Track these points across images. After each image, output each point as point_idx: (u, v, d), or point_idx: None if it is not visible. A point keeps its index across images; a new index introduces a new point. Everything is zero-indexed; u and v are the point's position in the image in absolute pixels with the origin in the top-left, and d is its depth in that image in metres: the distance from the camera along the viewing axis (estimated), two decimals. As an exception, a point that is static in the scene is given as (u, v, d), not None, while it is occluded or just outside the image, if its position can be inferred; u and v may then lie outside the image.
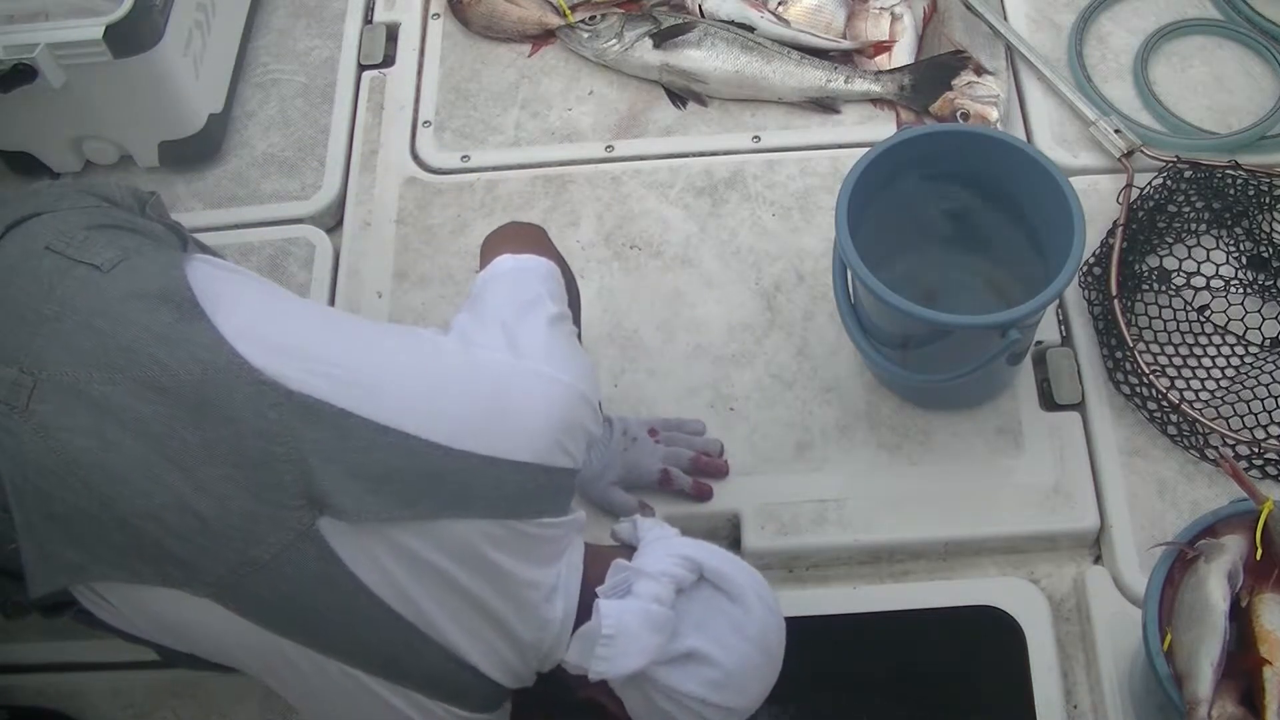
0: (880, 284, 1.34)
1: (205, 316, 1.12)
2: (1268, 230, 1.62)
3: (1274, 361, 1.53)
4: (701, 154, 1.81)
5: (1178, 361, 1.53)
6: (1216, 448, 1.48)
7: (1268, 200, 1.63)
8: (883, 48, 1.87)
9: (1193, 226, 1.65)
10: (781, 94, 1.84)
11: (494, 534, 1.11)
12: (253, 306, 1.18)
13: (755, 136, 1.82)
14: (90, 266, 1.13)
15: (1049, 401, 1.55)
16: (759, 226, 1.73)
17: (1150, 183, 1.65)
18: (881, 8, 1.90)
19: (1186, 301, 1.56)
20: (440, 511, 1.09)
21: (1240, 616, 1.15)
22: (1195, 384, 1.52)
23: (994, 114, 1.76)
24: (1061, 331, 1.61)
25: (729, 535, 1.51)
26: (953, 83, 1.79)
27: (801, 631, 1.24)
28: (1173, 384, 1.51)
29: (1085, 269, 1.61)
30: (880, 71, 1.85)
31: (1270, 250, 1.61)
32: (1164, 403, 1.49)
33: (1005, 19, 1.88)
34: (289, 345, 1.13)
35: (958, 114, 1.77)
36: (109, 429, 1.06)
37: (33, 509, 1.06)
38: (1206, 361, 1.54)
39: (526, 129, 1.86)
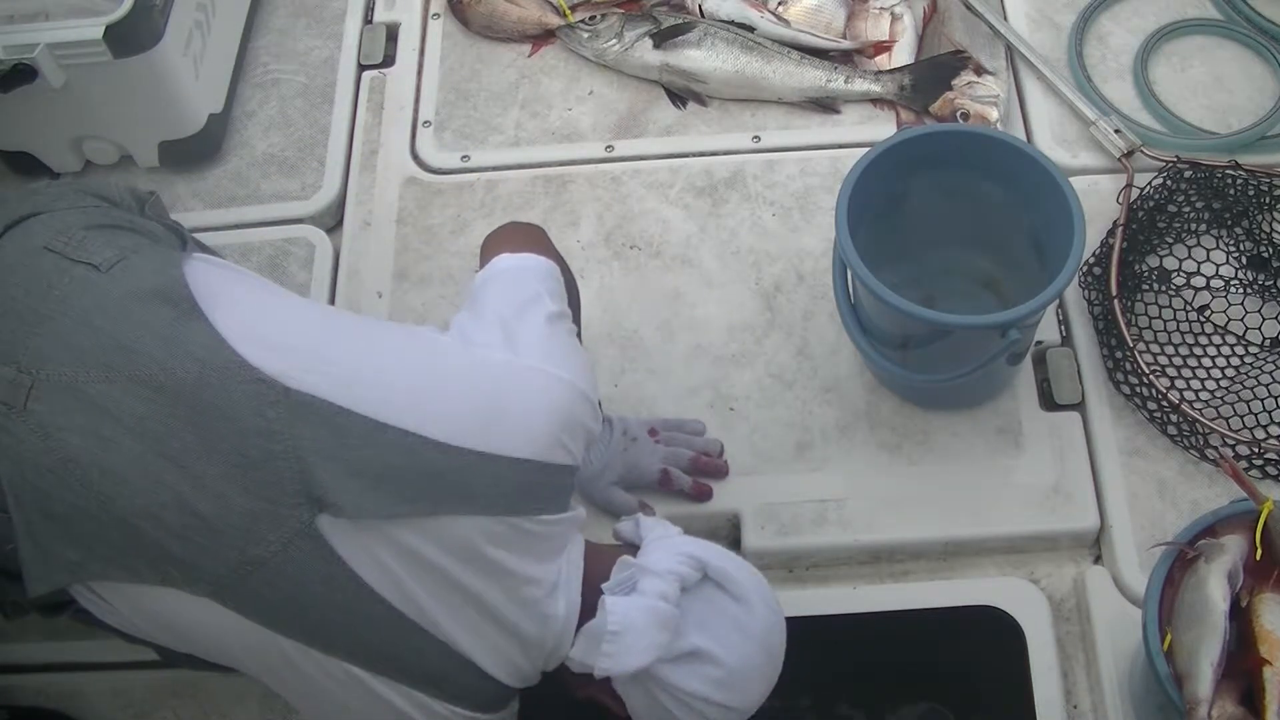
0: (880, 284, 1.34)
1: (203, 315, 1.12)
2: (1268, 230, 1.62)
3: (1274, 361, 1.53)
4: (701, 154, 1.81)
5: (1178, 361, 1.53)
6: (1216, 448, 1.48)
7: (1268, 200, 1.63)
8: (883, 48, 1.87)
9: (1193, 226, 1.65)
10: (781, 94, 1.84)
11: (494, 531, 1.11)
12: (251, 305, 1.18)
13: (755, 136, 1.82)
14: (88, 266, 1.14)
15: (1049, 401, 1.55)
16: (759, 226, 1.73)
17: (1150, 183, 1.65)
18: (881, 8, 1.90)
19: (1186, 301, 1.56)
20: (439, 509, 1.09)
21: (1240, 616, 1.15)
22: (1195, 384, 1.52)
23: (994, 114, 1.76)
24: (1061, 331, 1.61)
25: (729, 535, 1.51)
26: (953, 83, 1.79)
27: (801, 631, 1.24)
28: (1173, 384, 1.51)
29: (1085, 269, 1.61)
30: (880, 71, 1.85)
31: (1270, 250, 1.61)
32: (1164, 403, 1.49)
33: (1005, 19, 1.88)
34: (287, 344, 1.13)
35: (958, 114, 1.77)
36: (107, 428, 1.06)
37: (31, 508, 1.07)
38: (1206, 361, 1.54)
39: (526, 129, 1.86)
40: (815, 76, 1.83)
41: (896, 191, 1.47)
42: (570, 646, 1.16)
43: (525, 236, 1.36)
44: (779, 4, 1.91)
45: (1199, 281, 1.59)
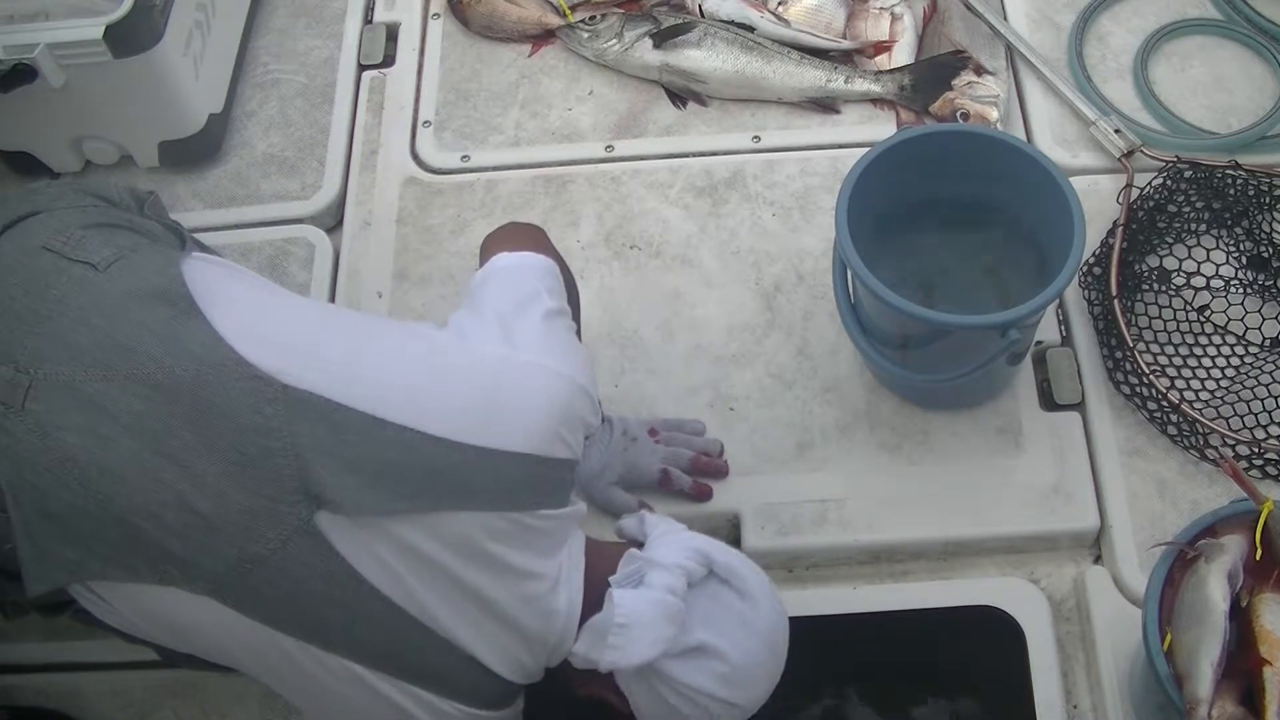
0: (880, 284, 1.34)
1: (201, 314, 1.12)
2: (1268, 230, 1.62)
3: (1274, 361, 1.53)
4: (701, 154, 1.81)
5: (1178, 361, 1.53)
6: (1216, 448, 1.48)
7: (1268, 200, 1.63)
8: (883, 48, 1.87)
9: (1193, 226, 1.65)
10: (781, 94, 1.84)
11: (494, 526, 1.11)
12: (249, 304, 1.19)
13: (755, 136, 1.82)
14: (87, 265, 1.14)
15: (1049, 401, 1.55)
16: (759, 226, 1.73)
17: (1150, 183, 1.65)
18: (881, 8, 1.90)
19: (1186, 301, 1.56)
20: (439, 504, 1.09)
21: (1240, 616, 1.15)
22: (1195, 384, 1.52)
23: (994, 114, 1.76)
24: (1061, 331, 1.61)
25: (729, 535, 1.51)
26: (953, 83, 1.79)
27: (802, 631, 1.24)
28: (1173, 384, 1.51)
29: (1085, 269, 1.61)
30: (880, 71, 1.85)
31: (1270, 250, 1.61)
32: (1164, 403, 1.49)
33: (1005, 19, 1.88)
34: (285, 341, 1.14)
35: (958, 114, 1.77)
36: (105, 426, 1.06)
37: (30, 508, 1.07)
38: (1206, 361, 1.54)
39: (526, 129, 1.86)
40: (815, 76, 1.83)
41: (896, 191, 1.47)
42: (573, 642, 1.15)
43: (525, 236, 1.37)
44: (779, 4, 1.91)
45: (1199, 281, 1.59)
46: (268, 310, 1.19)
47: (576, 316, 1.35)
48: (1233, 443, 1.48)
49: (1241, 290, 1.59)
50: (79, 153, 1.84)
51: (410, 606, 1.09)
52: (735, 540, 1.49)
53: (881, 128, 1.80)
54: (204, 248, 1.39)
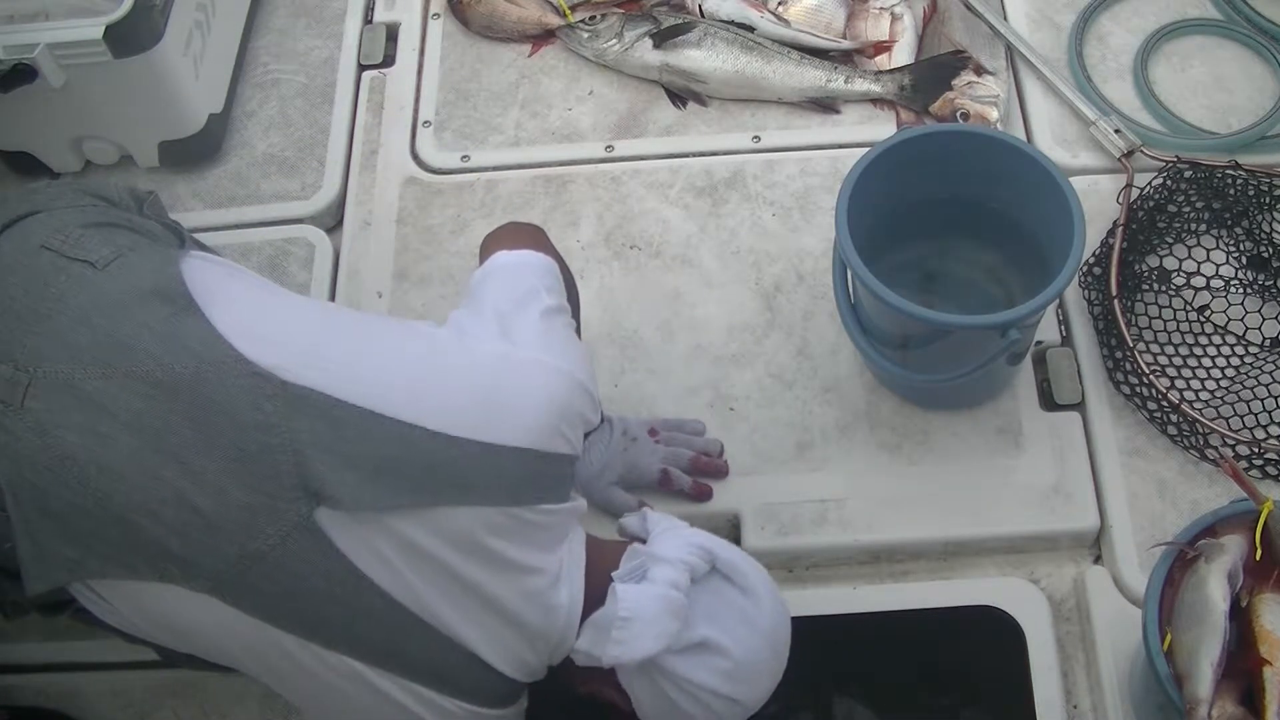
0: (880, 284, 1.34)
1: (200, 312, 1.12)
2: (1268, 230, 1.62)
3: (1274, 361, 1.53)
4: (701, 154, 1.81)
5: (1178, 361, 1.53)
6: (1216, 448, 1.48)
7: (1268, 200, 1.63)
8: (883, 48, 1.87)
9: (1193, 226, 1.65)
10: (781, 94, 1.84)
11: (494, 521, 1.11)
12: (248, 301, 1.19)
13: (755, 136, 1.82)
14: (86, 264, 1.14)
15: (1049, 401, 1.55)
16: (759, 226, 1.73)
17: (1150, 183, 1.65)
18: (881, 8, 1.90)
19: (1186, 301, 1.56)
20: (439, 500, 1.09)
21: (1240, 616, 1.15)
22: (1195, 384, 1.52)
23: (994, 114, 1.76)
24: (1061, 331, 1.61)
25: (729, 535, 1.50)
26: (953, 83, 1.79)
27: (801, 631, 1.24)
28: (1173, 384, 1.51)
29: (1085, 269, 1.61)
30: (880, 71, 1.85)
31: (1270, 250, 1.61)
32: (1164, 403, 1.49)
33: (1005, 19, 1.88)
34: (284, 338, 1.14)
35: (958, 114, 1.77)
36: (104, 424, 1.06)
37: (29, 506, 1.07)
38: (1206, 361, 1.54)
39: (526, 129, 1.86)
40: (815, 76, 1.83)
41: (896, 191, 1.47)
42: (576, 639, 1.15)
43: (524, 235, 1.37)
44: (779, 4, 1.91)
45: (1199, 281, 1.59)
46: (267, 309, 1.19)
47: (576, 315, 1.35)
48: (1233, 443, 1.48)
49: (1241, 290, 1.59)
50: (79, 153, 1.84)
51: (411, 603, 1.09)
52: (735, 540, 1.49)
53: (881, 128, 1.80)
54: (204, 247, 1.39)
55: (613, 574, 1.16)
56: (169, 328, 1.11)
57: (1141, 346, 1.53)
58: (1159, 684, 1.14)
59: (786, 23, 1.88)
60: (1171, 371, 1.52)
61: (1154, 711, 1.28)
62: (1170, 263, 1.61)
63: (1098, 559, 1.48)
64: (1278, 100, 1.76)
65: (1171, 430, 1.50)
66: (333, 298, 1.72)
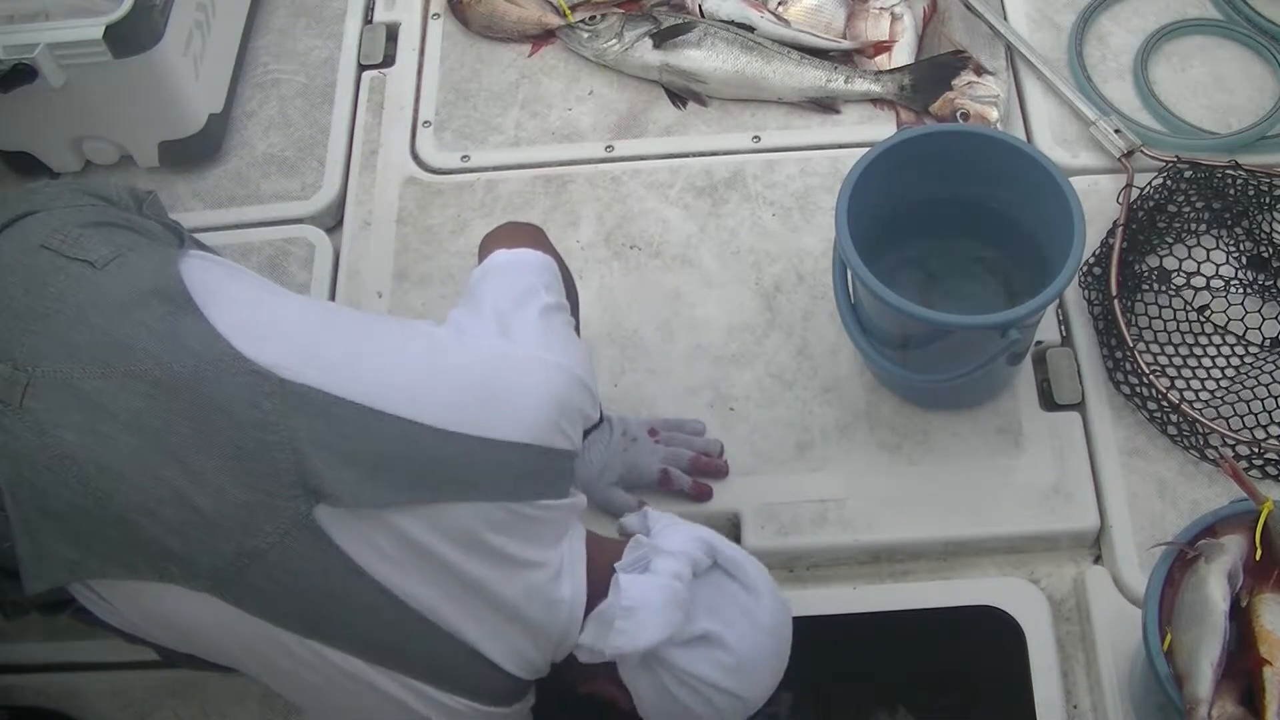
0: (880, 284, 1.34)
1: (198, 311, 1.13)
2: (1268, 230, 1.62)
3: (1274, 361, 1.53)
4: (701, 154, 1.81)
5: (1178, 361, 1.53)
6: (1216, 448, 1.48)
7: (1268, 200, 1.63)
8: (883, 48, 1.87)
9: (1193, 226, 1.65)
10: (781, 94, 1.84)
11: (494, 517, 1.11)
12: (247, 300, 1.19)
13: (755, 136, 1.82)
14: (84, 263, 1.14)
15: (1049, 401, 1.55)
16: (759, 226, 1.73)
17: (1150, 183, 1.65)
18: (881, 8, 1.90)
19: (1186, 301, 1.56)
20: (438, 496, 1.09)
21: (1240, 616, 1.15)
22: (1195, 384, 1.52)
23: (994, 114, 1.76)
24: (1061, 331, 1.61)
25: (729, 535, 1.49)
26: (953, 83, 1.79)
27: (802, 631, 1.24)
28: (1173, 384, 1.51)
29: (1085, 269, 1.61)
30: (880, 71, 1.85)
31: (1270, 250, 1.61)
32: (1164, 403, 1.49)
33: (1005, 19, 1.88)
34: (283, 337, 1.14)
35: (958, 114, 1.77)
36: (103, 424, 1.06)
37: (28, 506, 1.07)
38: (1206, 361, 1.53)
39: (526, 129, 1.86)
40: (815, 76, 1.83)
41: (896, 191, 1.47)
42: (579, 634, 1.15)
43: (523, 234, 1.37)
44: (779, 4, 1.91)
45: (1199, 281, 1.59)
46: (266, 308, 1.20)
47: (575, 314, 1.35)
48: (1233, 443, 1.48)
49: (1241, 290, 1.59)
50: (79, 153, 1.84)
51: (411, 599, 1.09)
52: (735, 540, 1.48)
53: (881, 128, 1.80)
54: (204, 247, 1.39)
55: (615, 565, 1.16)
56: (168, 327, 1.11)
57: (1141, 346, 1.53)
58: (1159, 684, 1.14)
59: (786, 23, 1.88)
60: (1171, 371, 1.52)
61: (1154, 711, 1.28)
62: (1170, 263, 1.61)
63: (1098, 559, 1.48)
64: (1278, 100, 1.76)
65: (1171, 430, 1.50)
66: (333, 298, 1.72)
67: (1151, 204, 1.64)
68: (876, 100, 1.84)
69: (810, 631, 1.27)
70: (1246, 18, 1.84)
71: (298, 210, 1.81)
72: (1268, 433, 1.49)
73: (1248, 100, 1.78)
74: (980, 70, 1.81)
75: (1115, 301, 1.53)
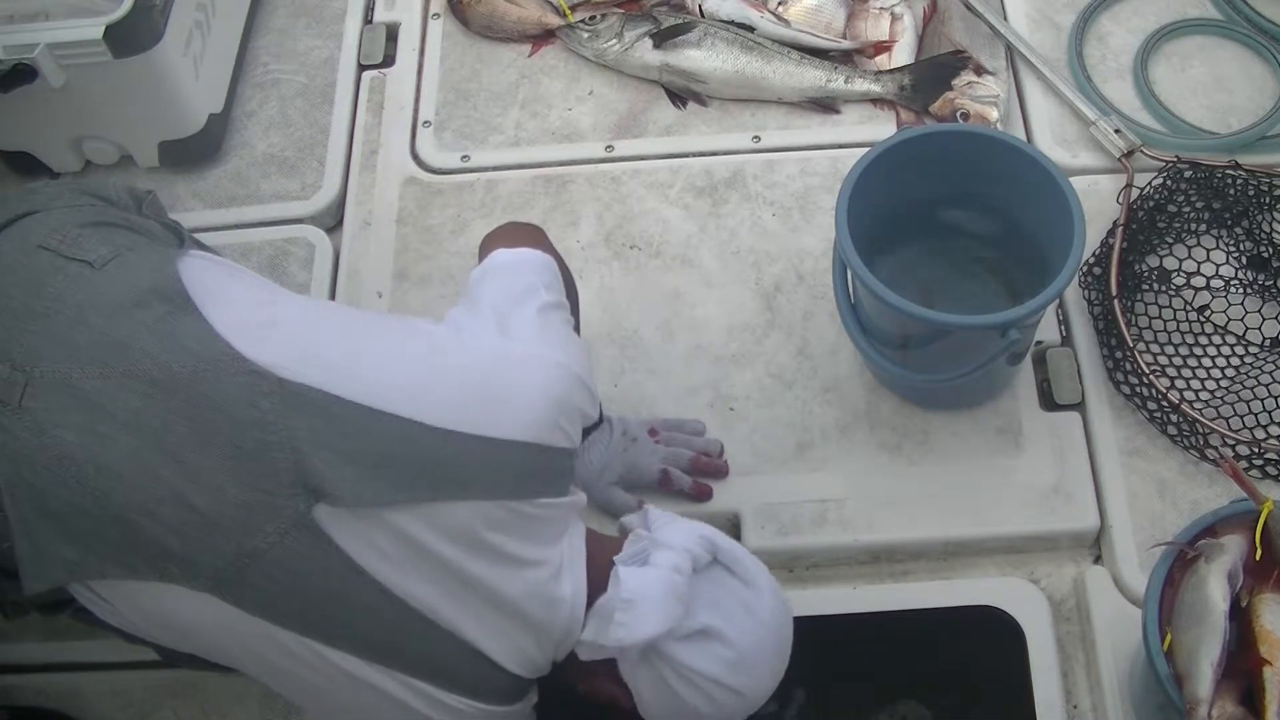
0: (880, 284, 1.34)
1: (197, 310, 1.13)
2: (1268, 230, 1.62)
3: (1274, 361, 1.53)
4: (701, 154, 1.81)
5: (1178, 361, 1.53)
6: (1216, 448, 1.48)
7: (1268, 200, 1.63)
8: (883, 48, 1.87)
9: (1193, 226, 1.65)
10: (781, 94, 1.84)
11: (493, 515, 1.11)
12: (246, 300, 1.19)
13: (755, 136, 1.82)
14: (83, 263, 1.14)
15: (1049, 401, 1.55)
16: (759, 226, 1.73)
17: (1150, 183, 1.65)
18: (881, 8, 1.90)
19: (1186, 301, 1.56)
20: (438, 495, 1.09)
21: (1240, 616, 1.15)
22: (1195, 384, 1.52)
23: (994, 114, 1.76)
24: (1061, 331, 1.61)
25: (729, 535, 1.50)
26: (953, 83, 1.79)
27: (802, 631, 1.24)
28: (1173, 384, 1.51)
29: (1085, 269, 1.61)
30: (880, 71, 1.85)
31: (1270, 250, 1.61)
32: (1164, 403, 1.49)
33: (1005, 19, 1.88)
34: (282, 336, 1.14)
35: (958, 114, 1.77)
36: (102, 424, 1.06)
37: (28, 506, 1.07)
38: (1206, 361, 1.53)
39: (526, 129, 1.86)
40: (815, 76, 1.83)
41: (896, 191, 1.47)
42: (580, 631, 1.15)
43: (523, 234, 1.37)
44: (779, 4, 1.91)
45: (1199, 281, 1.59)
46: (266, 308, 1.19)
47: (575, 313, 1.35)
48: (1233, 443, 1.48)
49: (1241, 290, 1.59)
50: (79, 153, 1.84)
51: (411, 598, 1.09)
52: (735, 540, 1.49)
53: (881, 128, 1.80)
54: (204, 247, 1.39)
55: (615, 558, 1.16)
56: (166, 327, 1.11)
57: (1141, 346, 1.53)
58: (1159, 684, 1.14)
59: (786, 23, 1.88)
60: (1171, 371, 1.52)
61: (1154, 711, 1.28)
62: (1170, 263, 1.61)
63: (1098, 559, 1.48)
64: (1278, 100, 1.76)
65: (1171, 430, 1.50)
66: (333, 298, 1.72)
67: (1151, 204, 1.64)
68: (876, 100, 1.84)
69: (810, 631, 1.27)
70: (1246, 18, 1.84)
71: (298, 210, 1.81)
72: (1268, 433, 1.49)
73: (1248, 100, 1.78)
74: (980, 70, 1.81)
75: (1115, 301, 1.53)
